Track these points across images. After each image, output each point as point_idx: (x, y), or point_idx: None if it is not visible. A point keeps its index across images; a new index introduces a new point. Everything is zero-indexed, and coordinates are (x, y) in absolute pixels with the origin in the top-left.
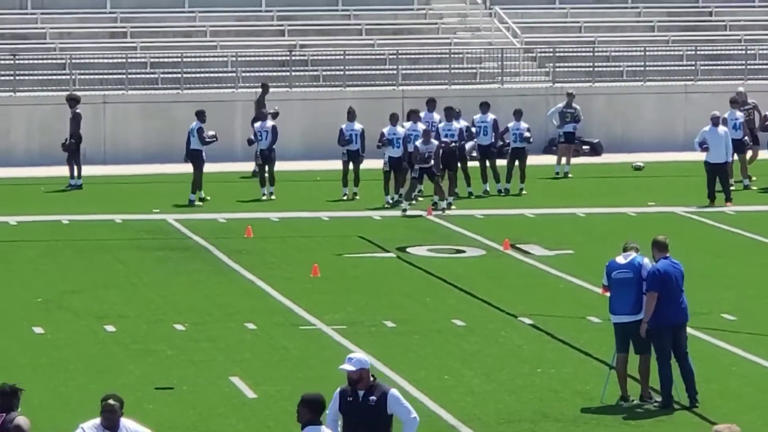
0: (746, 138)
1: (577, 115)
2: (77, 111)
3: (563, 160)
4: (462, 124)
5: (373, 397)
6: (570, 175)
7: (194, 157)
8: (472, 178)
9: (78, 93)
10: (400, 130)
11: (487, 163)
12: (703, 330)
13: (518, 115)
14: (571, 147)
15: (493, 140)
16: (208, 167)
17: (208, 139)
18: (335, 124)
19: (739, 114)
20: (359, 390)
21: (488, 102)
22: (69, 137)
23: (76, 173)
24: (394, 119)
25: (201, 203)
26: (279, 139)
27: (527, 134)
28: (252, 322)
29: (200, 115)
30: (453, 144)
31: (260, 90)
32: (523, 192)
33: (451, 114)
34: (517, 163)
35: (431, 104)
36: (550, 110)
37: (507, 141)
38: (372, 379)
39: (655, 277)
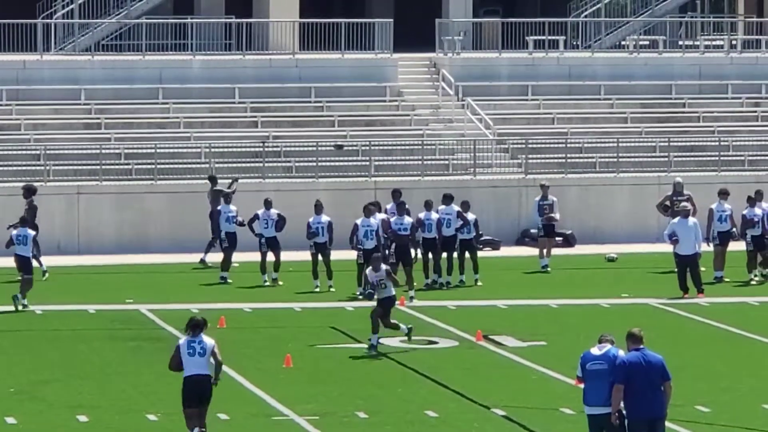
0: (735, 230)
1: (554, 205)
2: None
3: (545, 252)
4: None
5: None
6: (549, 270)
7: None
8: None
9: (35, 184)
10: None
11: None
12: (677, 422)
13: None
14: (550, 240)
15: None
16: (184, 257)
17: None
18: (308, 215)
19: (728, 206)
20: None
21: (452, 194)
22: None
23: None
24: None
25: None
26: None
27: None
28: (224, 413)
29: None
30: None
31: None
32: (478, 283)
33: (402, 209)
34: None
35: (396, 194)
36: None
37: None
38: None
39: (621, 369)
